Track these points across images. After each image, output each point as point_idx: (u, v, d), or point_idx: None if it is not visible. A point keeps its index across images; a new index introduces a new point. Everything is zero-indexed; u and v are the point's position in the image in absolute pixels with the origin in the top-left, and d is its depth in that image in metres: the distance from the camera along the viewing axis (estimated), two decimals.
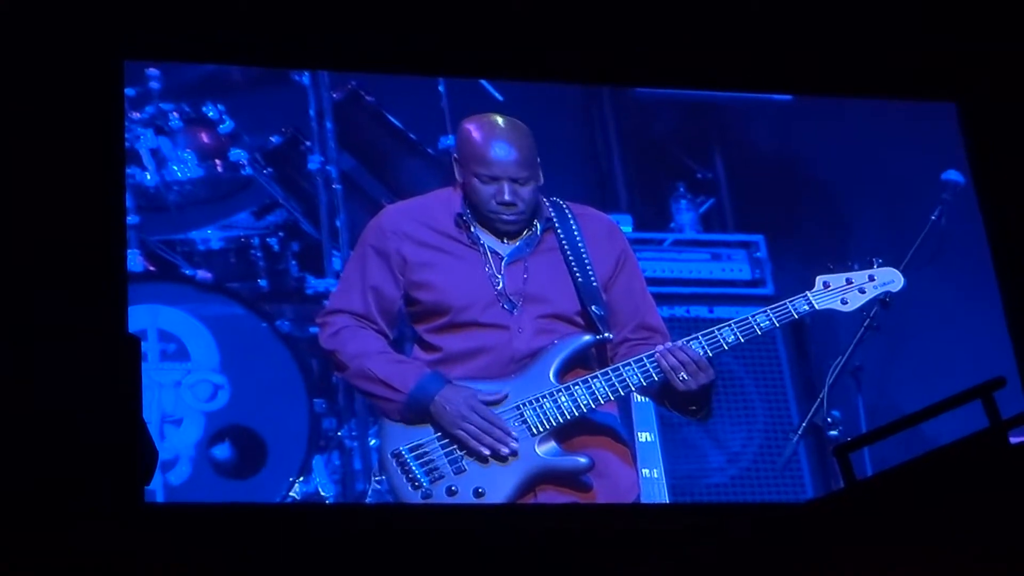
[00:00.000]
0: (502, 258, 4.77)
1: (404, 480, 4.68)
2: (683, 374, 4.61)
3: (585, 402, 4.65)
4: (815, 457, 5.58)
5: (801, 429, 5.04)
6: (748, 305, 5.12)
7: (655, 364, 4.63)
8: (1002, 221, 5.66)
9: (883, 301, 4.94)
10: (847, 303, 4.76)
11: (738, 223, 5.99)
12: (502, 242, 4.79)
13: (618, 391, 4.65)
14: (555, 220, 4.81)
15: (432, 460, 4.68)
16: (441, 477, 4.66)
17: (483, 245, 4.77)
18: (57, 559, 4.15)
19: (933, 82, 5.79)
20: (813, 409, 5.05)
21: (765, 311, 4.69)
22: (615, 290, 4.82)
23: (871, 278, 4.77)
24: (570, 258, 4.77)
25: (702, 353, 4.63)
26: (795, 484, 5.60)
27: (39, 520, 4.14)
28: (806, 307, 4.72)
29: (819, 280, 4.76)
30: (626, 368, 4.65)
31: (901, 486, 3.05)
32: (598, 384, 4.66)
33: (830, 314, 4.88)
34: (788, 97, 5.96)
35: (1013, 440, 3.09)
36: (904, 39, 5.74)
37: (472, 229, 4.77)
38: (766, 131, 6.03)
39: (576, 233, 4.81)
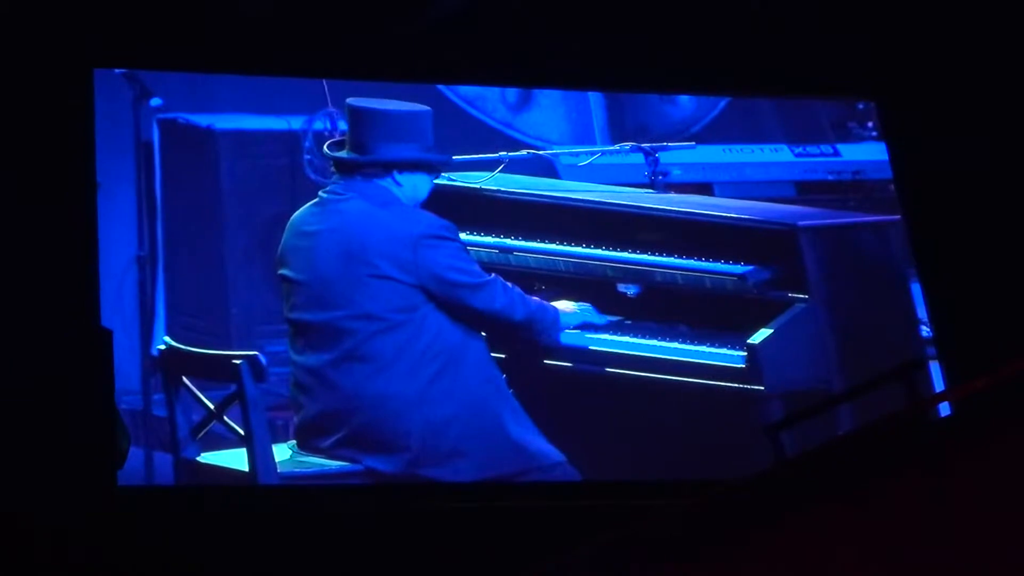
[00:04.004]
0: None
1: None
2: None
3: None
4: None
5: None
6: None
7: None
8: (921, 215, 5.76)
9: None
10: None
11: None
12: None
13: None
14: None
15: None
16: None
17: None
18: (36, 541, 4.42)
19: (855, 81, 5.91)
20: None
21: None
22: None
23: None
24: None
25: None
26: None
27: (16, 503, 4.44)
28: None
29: None
30: None
31: (831, 459, 3.18)
32: None
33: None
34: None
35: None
36: (827, 40, 5.83)
37: None
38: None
39: None
